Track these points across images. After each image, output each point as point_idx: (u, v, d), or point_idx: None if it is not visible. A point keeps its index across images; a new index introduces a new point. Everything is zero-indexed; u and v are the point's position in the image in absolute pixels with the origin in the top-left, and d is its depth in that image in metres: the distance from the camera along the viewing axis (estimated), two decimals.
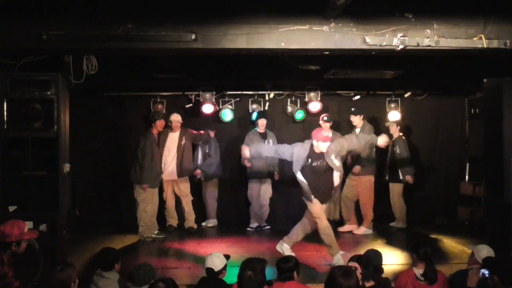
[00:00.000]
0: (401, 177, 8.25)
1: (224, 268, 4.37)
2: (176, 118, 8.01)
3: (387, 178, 8.43)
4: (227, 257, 4.45)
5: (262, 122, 8.30)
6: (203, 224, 8.56)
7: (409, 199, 9.06)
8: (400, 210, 8.36)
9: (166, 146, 7.98)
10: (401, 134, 8.43)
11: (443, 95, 9.19)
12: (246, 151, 6.38)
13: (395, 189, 8.35)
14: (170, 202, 8.16)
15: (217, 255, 4.37)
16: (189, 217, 8.07)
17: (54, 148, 5.54)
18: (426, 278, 4.09)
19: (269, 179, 8.40)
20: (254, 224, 8.37)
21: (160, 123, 7.78)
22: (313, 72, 6.97)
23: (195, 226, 8.10)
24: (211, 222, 8.59)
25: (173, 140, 8.01)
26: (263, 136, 8.33)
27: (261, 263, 3.79)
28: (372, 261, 3.95)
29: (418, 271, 4.15)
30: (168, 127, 8.04)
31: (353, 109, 8.06)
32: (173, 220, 8.22)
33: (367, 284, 3.73)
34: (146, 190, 7.54)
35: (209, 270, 4.26)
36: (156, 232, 7.76)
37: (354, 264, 3.73)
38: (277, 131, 8.95)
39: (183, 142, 7.97)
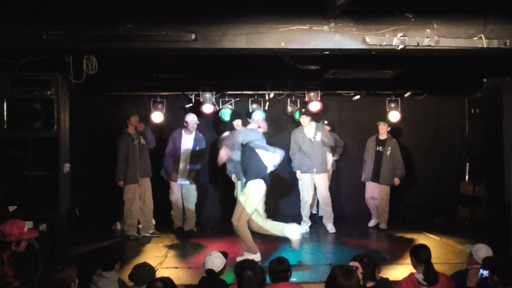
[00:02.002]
0: (390, 179, 8.27)
1: (224, 267, 4.36)
2: (193, 118, 7.90)
3: (371, 179, 8.38)
4: (225, 255, 4.44)
5: (237, 123, 8.00)
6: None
7: (409, 199, 9.09)
8: (386, 212, 8.37)
9: (182, 148, 7.93)
10: (389, 135, 8.42)
11: (443, 95, 9.20)
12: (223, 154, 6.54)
13: (384, 191, 8.31)
14: (180, 205, 8.01)
15: (217, 255, 4.36)
16: (192, 219, 8.04)
17: (54, 148, 5.53)
18: (427, 280, 4.05)
19: None
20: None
21: (134, 119, 7.84)
22: (313, 72, 6.97)
23: (195, 229, 8.08)
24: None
25: (187, 142, 7.96)
26: None
27: (258, 264, 3.79)
28: (374, 261, 3.94)
29: (420, 275, 4.11)
30: (183, 127, 8.00)
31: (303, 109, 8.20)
32: (181, 222, 8.06)
33: (368, 285, 3.71)
34: (126, 189, 7.63)
35: (210, 272, 4.25)
36: (151, 231, 7.80)
37: (355, 264, 3.72)
38: (277, 131, 8.97)
39: (197, 148, 7.96)
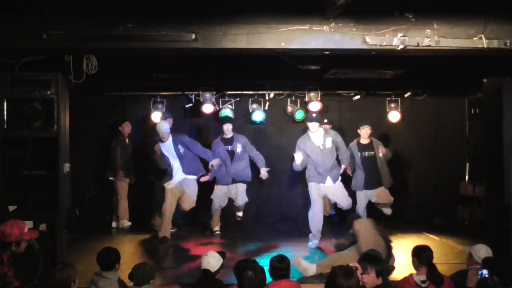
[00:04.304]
0: (387, 182, 7.65)
1: (221, 267, 4.36)
2: (161, 128, 7.25)
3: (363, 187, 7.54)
4: (222, 254, 4.44)
5: (227, 127, 7.59)
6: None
7: (409, 199, 9.08)
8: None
9: (167, 157, 7.40)
10: (372, 138, 7.71)
11: (443, 95, 9.19)
12: None
13: (387, 194, 7.69)
14: (171, 212, 7.42)
15: (213, 255, 4.36)
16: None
17: (54, 148, 5.54)
18: (432, 282, 4.01)
19: (242, 185, 7.66)
20: (215, 228, 7.94)
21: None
22: (313, 72, 6.97)
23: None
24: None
25: (167, 150, 7.39)
26: (228, 141, 7.63)
27: (256, 263, 3.80)
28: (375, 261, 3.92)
29: (419, 277, 4.07)
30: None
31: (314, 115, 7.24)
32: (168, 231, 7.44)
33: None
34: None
35: (206, 272, 4.26)
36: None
37: (355, 264, 3.71)
38: (277, 131, 8.97)
39: (181, 150, 7.34)
